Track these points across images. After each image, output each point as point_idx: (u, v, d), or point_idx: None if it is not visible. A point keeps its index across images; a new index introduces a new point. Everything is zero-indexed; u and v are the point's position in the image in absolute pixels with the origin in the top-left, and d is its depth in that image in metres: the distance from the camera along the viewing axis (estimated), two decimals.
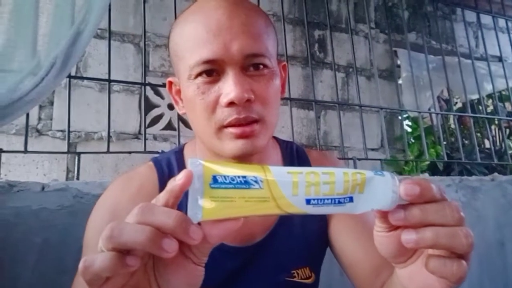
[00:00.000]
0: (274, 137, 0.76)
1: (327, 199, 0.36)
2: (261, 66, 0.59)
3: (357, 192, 0.37)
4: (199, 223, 0.36)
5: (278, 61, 0.65)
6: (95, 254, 0.34)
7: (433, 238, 0.35)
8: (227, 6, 0.58)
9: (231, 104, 0.55)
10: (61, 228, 1.01)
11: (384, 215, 0.38)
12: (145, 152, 1.38)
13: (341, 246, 0.69)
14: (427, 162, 2.61)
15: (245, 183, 0.35)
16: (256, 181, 0.35)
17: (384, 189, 0.37)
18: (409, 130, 3.02)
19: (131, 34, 2.05)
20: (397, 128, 2.78)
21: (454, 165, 2.24)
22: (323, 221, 0.72)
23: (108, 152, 1.34)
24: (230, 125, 0.56)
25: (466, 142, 3.28)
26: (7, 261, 0.95)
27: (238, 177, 0.35)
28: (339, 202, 0.36)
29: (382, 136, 2.60)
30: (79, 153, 1.32)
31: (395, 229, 0.39)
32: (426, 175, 2.14)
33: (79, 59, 1.79)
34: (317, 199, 0.36)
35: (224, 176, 0.35)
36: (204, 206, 0.35)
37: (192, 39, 0.57)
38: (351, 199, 0.37)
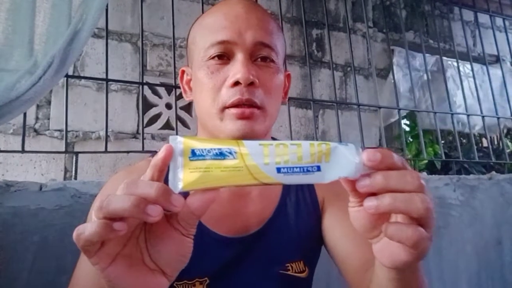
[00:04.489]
0: (273, 138, 0.77)
1: (296, 167, 0.39)
2: (268, 60, 0.63)
3: (323, 162, 0.40)
4: (185, 197, 0.39)
5: (284, 69, 0.69)
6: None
7: (391, 203, 0.38)
8: (246, 3, 0.65)
9: (236, 84, 0.59)
10: (59, 227, 1.01)
11: (353, 187, 0.41)
12: (143, 151, 1.38)
13: (333, 241, 0.71)
14: (425, 161, 2.62)
15: (220, 154, 0.39)
16: (230, 152, 0.39)
17: (348, 157, 0.39)
18: (407, 129, 3.03)
19: (129, 33, 2.05)
20: (395, 127, 2.79)
21: (452, 164, 2.25)
22: (317, 216, 0.74)
23: (106, 151, 1.33)
24: (232, 105, 0.59)
25: (464, 141, 3.29)
26: (5, 261, 0.95)
27: (214, 149, 0.39)
28: (308, 171, 0.39)
29: (380, 135, 2.60)
30: (77, 153, 1.31)
31: None
32: (424, 174, 2.14)
33: (77, 59, 1.78)
34: (287, 168, 0.39)
35: (202, 149, 0.39)
36: (184, 177, 0.38)
37: (211, 26, 0.63)
38: (318, 168, 0.39)
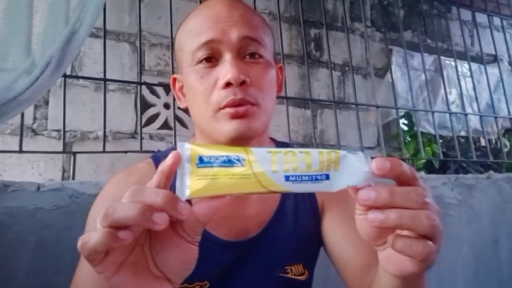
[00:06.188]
0: (271, 138, 0.78)
1: (305, 175, 0.39)
2: (257, 56, 0.62)
3: (332, 170, 0.39)
4: (190, 204, 0.38)
5: (275, 62, 0.68)
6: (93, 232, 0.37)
7: (396, 219, 0.37)
8: (227, 2, 0.63)
9: (228, 85, 0.58)
10: (56, 228, 1.00)
11: None
12: (141, 151, 1.38)
13: (333, 244, 0.71)
14: (423, 161, 2.63)
15: (228, 161, 0.38)
16: (238, 160, 0.39)
17: (357, 166, 0.39)
18: (406, 128, 3.03)
19: (127, 33, 2.05)
20: (393, 127, 2.79)
21: (450, 163, 2.25)
22: (316, 219, 0.73)
23: (104, 151, 1.33)
24: (226, 106, 0.59)
25: (462, 140, 3.30)
26: (2, 261, 0.95)
27: (222, 156, 0.39)
28: (316, 179, 0.39)
29: (378, 135, 2.60)
30: (74, 153, 1.31)
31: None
32: (422, 173, 2.15)
33: (74, 58, 1.78)
34: (295, 176, 0.38)
35: (209, 156, 0.39)
36: (191, 184, 0.38)
37: (195, 29, 0.63)
38: (327, 177, 0.39)
